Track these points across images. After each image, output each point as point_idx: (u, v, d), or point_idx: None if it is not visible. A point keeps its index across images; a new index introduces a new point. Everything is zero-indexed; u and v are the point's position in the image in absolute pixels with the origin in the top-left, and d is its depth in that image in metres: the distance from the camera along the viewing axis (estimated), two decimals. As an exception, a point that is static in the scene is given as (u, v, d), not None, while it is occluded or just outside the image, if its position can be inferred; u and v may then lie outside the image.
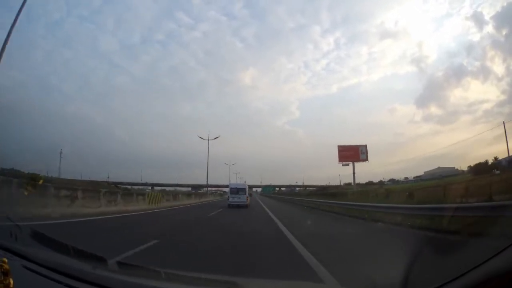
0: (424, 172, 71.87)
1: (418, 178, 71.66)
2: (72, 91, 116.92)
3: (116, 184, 75.78)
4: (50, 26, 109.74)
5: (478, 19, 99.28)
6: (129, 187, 73.33)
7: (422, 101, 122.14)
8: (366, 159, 55.05)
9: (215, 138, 44.68)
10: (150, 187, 75.77)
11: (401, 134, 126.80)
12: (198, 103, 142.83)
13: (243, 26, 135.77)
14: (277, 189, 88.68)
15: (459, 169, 62.78)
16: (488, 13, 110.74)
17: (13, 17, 12.68)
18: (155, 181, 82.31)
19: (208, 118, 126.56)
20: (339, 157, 53.96)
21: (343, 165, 54.00)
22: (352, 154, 54.22)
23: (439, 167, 67.49)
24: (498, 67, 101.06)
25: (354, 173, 53.34)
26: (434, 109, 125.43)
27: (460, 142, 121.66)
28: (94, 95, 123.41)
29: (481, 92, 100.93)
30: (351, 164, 54.07)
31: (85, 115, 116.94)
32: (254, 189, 55.37)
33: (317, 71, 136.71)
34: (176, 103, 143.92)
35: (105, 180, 76.07)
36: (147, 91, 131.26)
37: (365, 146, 55.99)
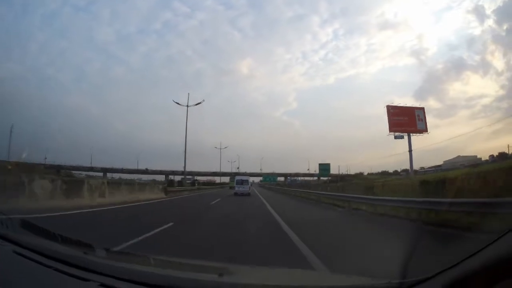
0: (444, 162, 63.65)
1: (438, 168, 63.33)
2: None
3: (58, 168, 56.96)
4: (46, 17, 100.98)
5: (479, 13, 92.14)
6: (74, 172, 54.98)
7: (420, 94, 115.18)
8: (425, 130, 35.76)
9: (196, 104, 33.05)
10: (101, 174, 56.59)
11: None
12: (195, 93, 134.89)
13: (240, 15, 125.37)
14: (279, 179, 70.46)
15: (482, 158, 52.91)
16: (489, 7, 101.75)
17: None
18: (108, 166, 62.66)
19: (205, 108, 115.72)
20: (390, 125, 34.25)
21: (395, 137, 34.41)
22: (407, 121, 34.71)
23: (459, 156, 58.43)
24: (498, 62, 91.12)
25: (410, 150, 33.87)
26: (432, 103, 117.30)
27: (461, 135, 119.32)
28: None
29: (480, 87, 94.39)
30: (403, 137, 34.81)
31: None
32: (251, 179, 39.12)
33: (315, 62, 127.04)
34: (173, 94, 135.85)
35: (42, 162, 55.25)
36: (142, 81, 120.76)
37: (423, 109, 36.59)
